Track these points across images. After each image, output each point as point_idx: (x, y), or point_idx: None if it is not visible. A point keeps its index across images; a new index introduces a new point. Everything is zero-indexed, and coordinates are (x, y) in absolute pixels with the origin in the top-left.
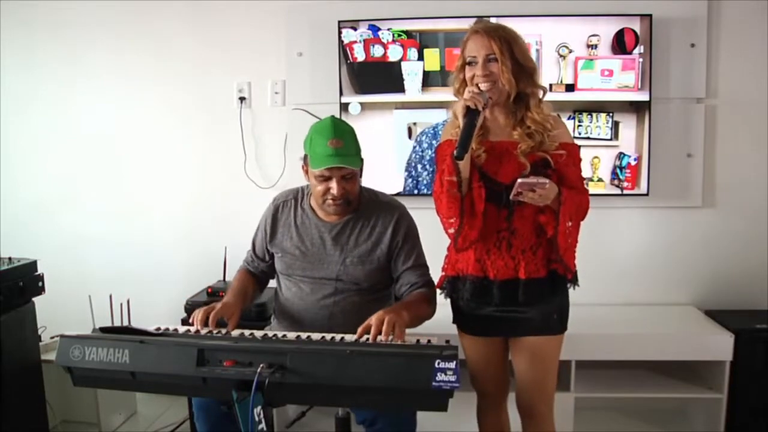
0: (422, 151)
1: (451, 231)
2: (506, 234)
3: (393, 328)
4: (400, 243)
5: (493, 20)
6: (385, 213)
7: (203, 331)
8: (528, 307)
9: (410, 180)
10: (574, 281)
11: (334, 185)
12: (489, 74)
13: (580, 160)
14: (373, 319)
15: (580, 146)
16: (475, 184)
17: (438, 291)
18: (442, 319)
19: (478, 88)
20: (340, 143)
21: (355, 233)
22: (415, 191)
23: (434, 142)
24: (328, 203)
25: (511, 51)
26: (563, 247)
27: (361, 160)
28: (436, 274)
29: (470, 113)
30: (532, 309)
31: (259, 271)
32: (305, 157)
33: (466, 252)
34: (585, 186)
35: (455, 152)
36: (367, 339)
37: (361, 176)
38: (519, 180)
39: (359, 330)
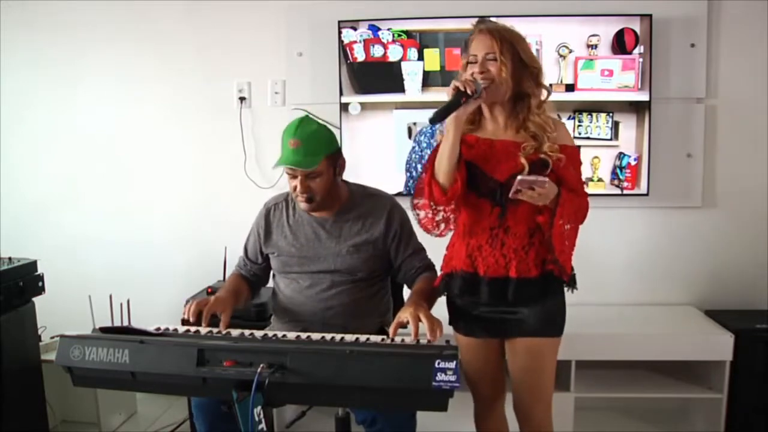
0: (421, 151)
1: (421, 215)
2: (499, 232)
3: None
4: (398, 232)
5: (493, 20)
6: (376, 203)
7: (203, 331)
8: (519, 307)
9: (411, 181)
10: (572, 284)
11: (297, 183)
12: (486, 72)
13: (579, 162)
14: (407, 317)
15: (579, 147)
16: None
17: None
18: (442, 320)
19: (473, 76)
20: (299, 144)
21: (349, 224)
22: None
23: (433, 141)
24: (298, 199)
25: (513, 51)
26: (559, 248)
27: (335, 156)
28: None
29: (457, 93)
30: (524, 309)
31: (251, 275)
32: None
33: (459, 248)
34: (584, 189)
35: (431, 115)
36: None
37: (339, 173)
38: (519, 177)
39: (392, 329)
